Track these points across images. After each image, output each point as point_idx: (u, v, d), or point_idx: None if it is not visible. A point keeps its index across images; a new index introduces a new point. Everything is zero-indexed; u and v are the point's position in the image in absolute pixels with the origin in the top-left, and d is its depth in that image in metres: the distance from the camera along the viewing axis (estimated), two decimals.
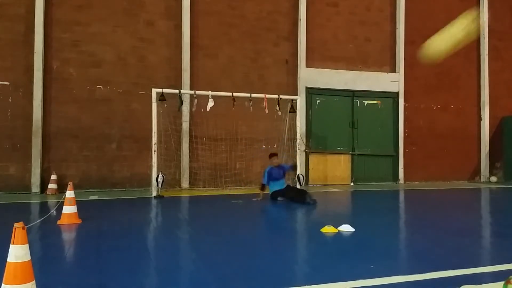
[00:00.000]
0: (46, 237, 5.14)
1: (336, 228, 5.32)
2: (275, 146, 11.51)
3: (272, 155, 9.12)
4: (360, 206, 9.03)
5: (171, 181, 10.54)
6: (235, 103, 9.65)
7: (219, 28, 11.51)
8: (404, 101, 13.23)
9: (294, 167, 9.94)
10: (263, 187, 8.90)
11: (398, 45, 13.15)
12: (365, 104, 13.01)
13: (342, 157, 12.63)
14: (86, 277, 3.47)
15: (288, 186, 8.98)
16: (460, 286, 3.14)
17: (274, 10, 12.03)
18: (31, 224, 5.41)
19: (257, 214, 7.45)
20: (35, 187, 9.81)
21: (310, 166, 12.20)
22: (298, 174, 10.33)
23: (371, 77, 12.88)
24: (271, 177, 8.79)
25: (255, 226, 6.21)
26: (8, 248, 2.60)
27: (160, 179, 9.02)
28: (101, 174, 10.43)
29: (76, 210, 5.96)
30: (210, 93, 9.61)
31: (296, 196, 8.37)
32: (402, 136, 13.16)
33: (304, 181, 10.68)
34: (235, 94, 9.80)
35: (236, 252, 4.38)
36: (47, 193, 9.68)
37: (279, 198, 8.68)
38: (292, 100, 10.54)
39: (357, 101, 12.90)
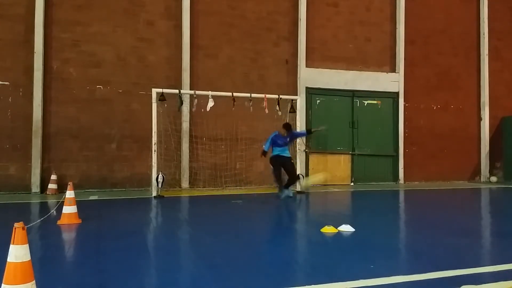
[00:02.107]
0: (46, 237, 5.14)
1: (336, 228, 5.31)
2: None
3: (287, 126, 8.88)
4: (360, 206, 9.03)
5: (171, 181, 10.53)
6: (235, 103, 9.64)
7: (219, 28, 11.50)
8: (404, 101, 13.22)
9: (309, 132, 9.35)
10: (263, 153, 8.88)
11: (398, 45, 13.15)
12: (365, 104, 13.01)
13: (342, 157, 12.62)
14: (86, 277, 3.47)
15: (288, 160, 8.84)
16: (460, 286, 3.14)
17: (274, 10, 12.03)
18: (31, 224, 5.41)
19: (257, 214, 7.44)
20: (35, 187, 9.80)
21: (310, 166, 12.19)
22: (298, 174, 10.31)
23: (371, 77, 12.88)
24: (275, 144, 8.79)
25: (255, 226, 6.21)
26: (8, 248, 2.60)
27: (160, 179, 9.01)
28: (101, 174, 10.43)
29: (76, 210, 5.95)
30: (210, 93, 9.61)
31: (287, 179, 8.78)
32: (402, 136, 13.16)
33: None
34: (235, 94, 9.79)
35: (236, 252, 4.38)
36: (47, 193, 9.68)
37: (272, 168, 8.75)
38: (292, 100, 10.54)
39: (357, 101, 12.90)
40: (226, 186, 10.96)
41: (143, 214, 7.06)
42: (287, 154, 8.94)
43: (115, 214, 7.13)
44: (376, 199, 9.80)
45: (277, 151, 8.84)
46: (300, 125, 10.86)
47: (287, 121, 10.98)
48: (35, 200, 8.84)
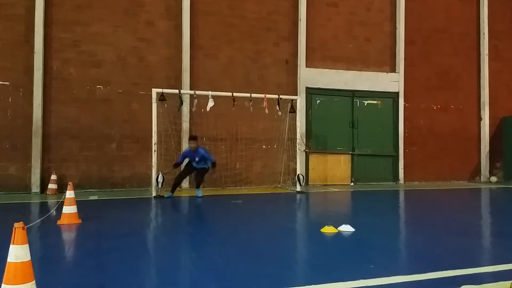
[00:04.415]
0: (46, 237, 5.14)
1: (336, 228, 5.32)
2: (275, 146, 11.54)
3: (190, 138, 9.51)
4: (360, 206, 9.02)
5: (171, 181, 10.52)
6: (235, 103, 9.64)
7: (219, 28, 11.50)
8: (404, 101, 13.23)
9: (214, 164, 9.38)
10: (175, 165, 9.39)
11: (398, 45, 13.15)
12: (365, 104, 13.01)
13: (342, 157, 12.62)
14: (86, 277, 3.47)
15: (194, 170, 9.40)
16: (460, 286, 3.15)
17: (274, 10, 12.03)
18: (31, 224, 5.41)
19: (257, 214, 7.44)
20: (35, 187, 9.80)
21: (310, 166, 12.19)
22: (298, 174, 10.32)
23: (371, 77, 12.88)
24: (185, 158, 9.37)
25: (255, 226, 6.21)
26: (8, 248, 2.60)
27: (160, 179, 9.02)
28: (101, 174, 10.43)
29: (76, 210, 5.96)
30: (210, 93, 9.61)
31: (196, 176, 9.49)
32: (402, 136, 13.16)
33: (304, 181, 10.68)
34: (235, 94, 9.79)
35: (236, 252, 4.38)
36: (47, 193, 9.68)
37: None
38: (292, 100, 10.54)
39: (357, 101, 12.90)
40: (226, 186, 10.96)
41: (143, 214, 7.06)
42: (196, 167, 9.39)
43: (115, 214, 7.13)
44: (376, 199, 9.80)
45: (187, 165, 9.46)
46: (300, 125, 10.87)
47: (287, 121, 11.03)
48: (35, 200, 8.84)
